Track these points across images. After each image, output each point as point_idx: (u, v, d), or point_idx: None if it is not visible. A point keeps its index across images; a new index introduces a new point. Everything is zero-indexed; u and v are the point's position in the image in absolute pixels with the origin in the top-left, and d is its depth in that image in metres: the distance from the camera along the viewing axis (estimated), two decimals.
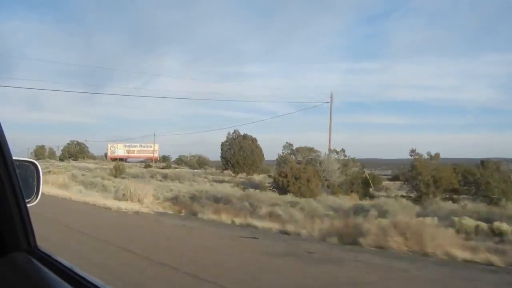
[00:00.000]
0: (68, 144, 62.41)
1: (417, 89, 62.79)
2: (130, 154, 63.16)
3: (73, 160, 55.39)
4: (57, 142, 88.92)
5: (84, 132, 79.05)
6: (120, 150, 63.59)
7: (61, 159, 56.62)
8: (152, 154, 61.47)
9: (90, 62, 78.35)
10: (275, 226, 9.90)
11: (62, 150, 62.74)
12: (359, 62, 64.81)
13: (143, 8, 68.66)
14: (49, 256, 1.31)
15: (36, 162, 1.59)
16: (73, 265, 1.33)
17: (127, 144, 63.72)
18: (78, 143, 62.53)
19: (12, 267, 1.21)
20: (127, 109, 79.18)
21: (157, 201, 14.89)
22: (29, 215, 1.29)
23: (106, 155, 66.53)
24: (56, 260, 1.31)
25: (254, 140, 40.35)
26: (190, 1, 68.83)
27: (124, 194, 15.02)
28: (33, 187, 1.51)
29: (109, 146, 63.52)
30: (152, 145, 61.54)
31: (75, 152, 61.83)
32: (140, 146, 63.43)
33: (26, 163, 1.53)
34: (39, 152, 61.62)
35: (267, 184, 22.21)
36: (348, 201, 15.61)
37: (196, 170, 43.99)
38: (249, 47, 71.71)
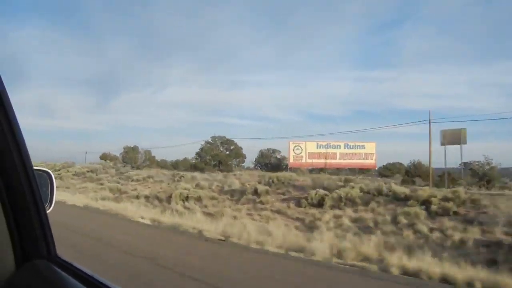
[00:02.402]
0: (125, 150, 49.98)
1: (426, 97, 64.30)
2: (338, 161, 37.76)
3: (134, 168, 40.75)
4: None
5: (93, 139, 75.02)
6: (312, 153, 37.82)
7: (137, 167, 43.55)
8: (365, 160, 37.97)
9: (102, 70, 74.11)
10: None
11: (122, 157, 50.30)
12: (369, 70, 67.23)
13: (153, 15, 66.14)
14: (69, 263, 1.37)
15: (49, 171, 1.63)
16: (93, 272, 1.39)
17: (323, 143, 38.07)
18: (133, 149, 50.34)
19: (34, 274, 1.27)
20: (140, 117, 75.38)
21: None
22: (49, 223, 1.33)
23: (257, 162, 45.55)
24: (76, 267, 1.37)
25: None
26: (200, 9, 67.36)
27: None
28: (47, 196, 1.56)
29: (292, 146, 37.63)
30: (364, 145, 38.07)
31: (134, 158, 49.11)
32: (347, 147, 38.33)
33: (40, 172, 1.56)
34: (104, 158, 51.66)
35: None
36: None
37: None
38: (259, 55, 71.18)
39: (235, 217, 14.92)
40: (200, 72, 73.14)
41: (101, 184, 29.55)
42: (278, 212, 16.42)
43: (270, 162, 46.65)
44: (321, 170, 35.93)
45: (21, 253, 1.28)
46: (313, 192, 16.87)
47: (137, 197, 22.01)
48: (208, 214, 15.67)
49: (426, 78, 59.72)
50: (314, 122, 68.84)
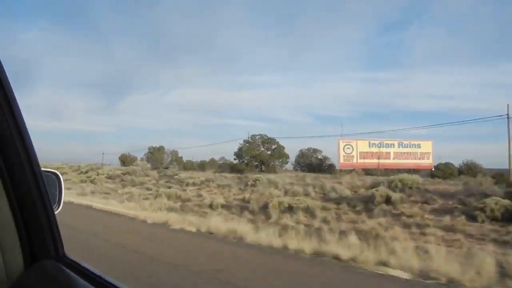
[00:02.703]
0: (150, 150, 51.42)
1: (433, 98, 65.29)
2: (392, 161, 37.33)
3: (164, 169, 41.78)
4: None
5: (101, 141, 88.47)
6: (364, 152, 37.48)
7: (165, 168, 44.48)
8: (421, 160, 37.86)
9: (110, 72, 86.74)
10: None
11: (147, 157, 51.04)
12: (377, 71, 70.41)
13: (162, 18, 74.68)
14: (78, 264, 1.52)
15: (58, 172, 1.86)
16: (101, 272, 1.51)
17: (376, 141, 38.18)
18: (158, 149, 51.47)
19: (43, 275, 1.44)
20: (145, 119, 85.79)
21: None
22: (57, 223, 1.50)
23: (296, 162, 46.66)
24: (84, 267, 1.52)
25: None
26: (208, 10, 73.75)
27: None
28: (55, 197, 1.78)
29: (341, 145, 37.67)
30: (420, 144, 38.16)
31: (160, 159, 50.15)
32: (401, 145, 38.12)
33: (49, 173, 1.80)
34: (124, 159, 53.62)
35: None
36: None
37: None
38: (266, 56, 76.02)
39: (394, 239, 11.66)
40: (209, 73, 76.41)
41: (148, 189, 27.34)
42: (450, 229, 13.57)
43: (311, 162, 45.87)
44: (366, 171, 34.23)
45: (30, 254, 1.46)
46: (491, 202, 14.33)
47: (211, 206, 19.83)
48: (348, 232, 12.09)
49: (436, 79, 65.03)
50: (323, 122, 75.34)
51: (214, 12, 78.18)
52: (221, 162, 51.65)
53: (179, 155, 52.69)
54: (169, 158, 52.11)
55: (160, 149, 51.78)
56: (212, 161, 52.45)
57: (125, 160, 52.54)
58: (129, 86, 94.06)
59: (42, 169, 1.52)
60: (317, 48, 74.37)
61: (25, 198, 1.45)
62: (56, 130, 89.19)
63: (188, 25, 77.57)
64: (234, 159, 46.74)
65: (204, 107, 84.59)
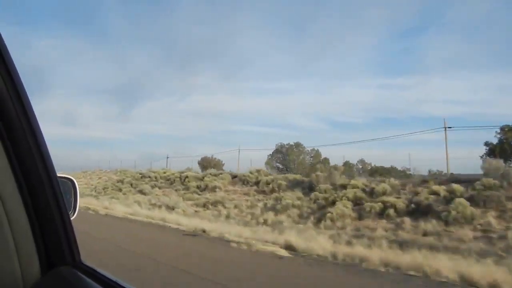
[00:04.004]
0: (279, 148, 39.59)
1: (450, 104, 65.35)
2: None
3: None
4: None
5: (115, 148, 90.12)
6: None
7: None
8: None
9: (124, 79, 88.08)
10: None
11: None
12: (392, 77, 70.41)
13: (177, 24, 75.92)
14: (94, 270, 1.52)
15: (73, 178, 1.87)
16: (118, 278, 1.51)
17: None
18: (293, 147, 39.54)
19: (60, 281, 1.44)
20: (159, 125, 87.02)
21: None
22: (73, 229, 1.50)
23: None
24: (101, 274, 1.51)
25: None
26: (223, 16, 75.02)
27: None
28: (70, 203, 1.78)
29: None
30: None
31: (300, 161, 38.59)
32: None
33: (64, 180, 1.81)
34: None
35: None
36: None
37: None
38: (281, 63, 77.02)
39: None
40: (222, 79, 77.49)
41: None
42: None
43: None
44: None
45: (46, 260, 1.46)
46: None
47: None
48: None
49: (450, 84, 61.01)
50: (337, 129, 71.45)
51: (229, 19, 79.16)
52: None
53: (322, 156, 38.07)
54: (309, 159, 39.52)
55: (297, 146, 39.35)
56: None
57: (208, 164, 41.96)
58: (143, 93, 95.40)
59: (58, 175, 1.53)
60: (332, 55, 74.69)
61: (41, 204, 1.46)
62: (69, 137, 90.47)
63: (202, 31, 78.51)
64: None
65: (218, 113, 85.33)
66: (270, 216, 20.05)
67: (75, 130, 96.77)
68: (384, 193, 18.76)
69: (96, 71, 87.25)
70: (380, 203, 17.85)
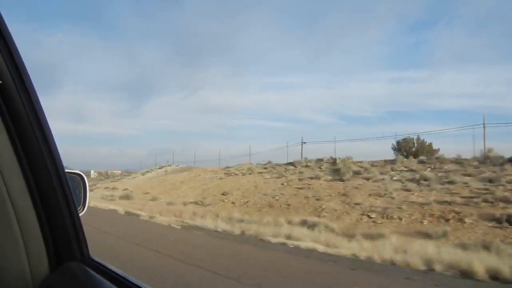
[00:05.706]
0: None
1: (461, 97, 64.68)
2: None
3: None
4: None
5: (124, 143, 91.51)
6: None
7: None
8: None
9: (134, 75, 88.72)
10: None
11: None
12: (403, 71, 70.02)
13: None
14: (103, 265, 1.52)
15: (82, 174, 1.88)
16: (127, 273, 1.51)
17: None
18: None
19: (69, 276, 1.44)
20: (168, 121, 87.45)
21: None
22: (82, 225, 1.51)
23: None
24: (110, 269, 1.52)
25: None
26: (231, 12, 74.87)
27: None
28: (80, 199, 1.79)
29: None
30: None
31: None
32: None
33: (73, 175, 1.82)
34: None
35: None
36: None
37: None
38: (290, 58, 76.74)
39: None
40: (232, 75, 79.11)
41: None
42: None
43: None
44: None
45: (55, 256, 1.47)
46: None
47: None
48: None
49: (463, 78, 63.30)
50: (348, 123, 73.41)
51: (238, 14, 79.08)
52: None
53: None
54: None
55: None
56: None
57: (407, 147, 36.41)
58: (152, 89, 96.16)
59: (66, 170, 1.53)
60: (343, 49, 74.25)
61: (50, 199, 1.46)
62: (77, 133, 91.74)
63: (212, 27, 78.53)
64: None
65: (227, 108, 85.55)
66: None
67: (82, 125, 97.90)
68: None
69: (107, 68, 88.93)
70: None
